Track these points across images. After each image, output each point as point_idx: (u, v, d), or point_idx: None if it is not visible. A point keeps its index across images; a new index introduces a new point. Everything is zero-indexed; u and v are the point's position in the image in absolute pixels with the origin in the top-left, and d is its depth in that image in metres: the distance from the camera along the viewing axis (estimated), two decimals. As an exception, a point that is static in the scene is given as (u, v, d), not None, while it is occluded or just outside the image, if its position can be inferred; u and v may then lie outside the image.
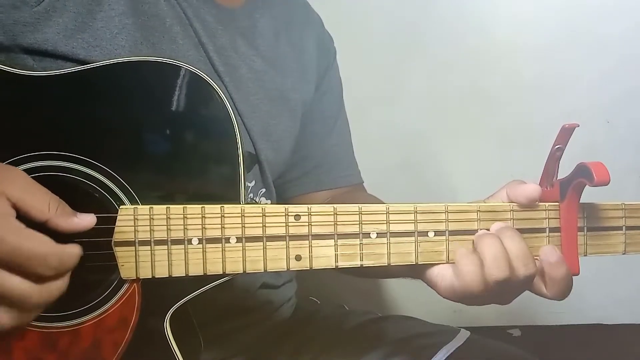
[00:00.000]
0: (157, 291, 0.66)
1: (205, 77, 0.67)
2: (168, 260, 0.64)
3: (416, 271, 0.73)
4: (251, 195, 0.92)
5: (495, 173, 1.50)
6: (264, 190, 0.95)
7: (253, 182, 0.92)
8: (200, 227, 0.64)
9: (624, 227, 0.72)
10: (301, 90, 1.00)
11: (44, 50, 0.73)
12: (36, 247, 0.56)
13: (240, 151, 0.67)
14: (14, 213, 0.57)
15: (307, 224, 0.66)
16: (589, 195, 0.69)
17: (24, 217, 0.57)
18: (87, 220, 0.61)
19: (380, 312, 1.12)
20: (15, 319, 0.58)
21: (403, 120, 1.53)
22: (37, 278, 0.57)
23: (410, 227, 0.68)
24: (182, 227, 0.64)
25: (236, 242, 0.65)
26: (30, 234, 0.57)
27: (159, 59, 0.66)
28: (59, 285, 0.59)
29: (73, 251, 0.59)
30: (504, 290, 0.67)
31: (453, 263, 0.69)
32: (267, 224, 0.65)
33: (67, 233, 0.60)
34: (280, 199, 1.02)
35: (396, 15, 1.50)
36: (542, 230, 0.70)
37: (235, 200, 0.67)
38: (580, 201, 0.69)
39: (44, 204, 0.58)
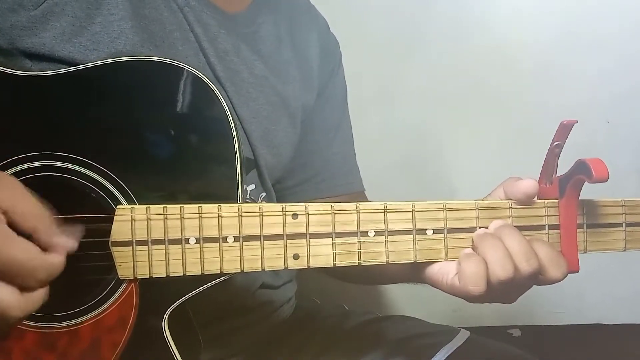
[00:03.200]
0: (155, 291, 0.66)
1: (203, 77, 0.66)
2: (165, 260, 0.64)
3: (416, 273, 0.73)
4: (251, 198, 0.92)
5: (495, 172, 1.47)
6: (264, 194, 0.94)
7: (253, 186, 0.91)
8: (197, 226, 0.64)
9: (623, 224, 0.71)
10: (302, 97, 0.99)
11: (41, 54, 0.73)
12: (28, 259, 0.56)
13: (237, 150, 0.66)
14: (4, 220, 0.56)
15: (304, 223, 0.66)
16: (589, 192, 0.69)
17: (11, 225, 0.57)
18: (69, 243, 0.60)
19: (380, 312, 1.12)
20: None
21: (403, 119, 1.53)
22: (21, 288, 0.57)
23: (408, 225, 0.67)
24: (179, 226, 0.64)
25: (234, 241, 0.64)
26: (22, 245, 0.56)
27: (158, 59, 0.66)
28: (39, 297, 0.58)
29: (56, 261, 0.58)
30: (508, 289, 0.67)
31: (453, 260, 0.69)
32: (264, 223, 0.65)
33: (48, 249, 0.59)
34: (279, 204, 1.01)
35: (396, 12, 1.49)
36: (541, 227, 0.70)
37: (232, 200, 0.66)
38: (580, 198, 0.69)
39: (34, 214, 0.58)
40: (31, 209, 0.58)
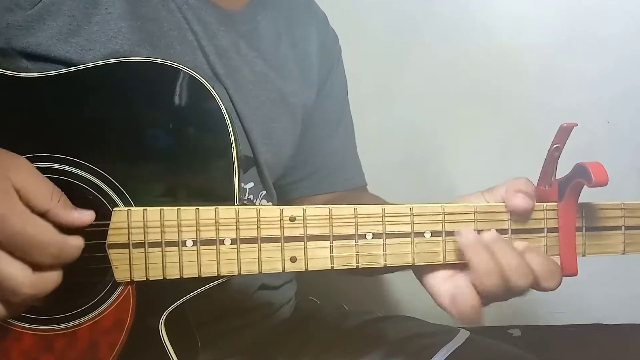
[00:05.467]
0: (152, 293, 0.65)
1: (199, 77, 0.66)
2: (162, 263, 0.63)
3: (415, 270, 0.72)
4: (251, 197, 0.92)
5: (495, 172, 1.48)
6: (264, 192, 0.94)
7: (251, 184, 0.91)
8: (194, 229, 0.64)
9: (623, 227, 0.71)
10: (302, 94, 0.99)
11: (37, 54, 0.73)
12: (39, 234, 0.57)
13: (234, 152, 0.66)
14: (19, 198, 0.57)
15: (302, 225, 0.65)
16: (588, 194, 0.69)
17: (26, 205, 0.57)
18: (86, 216, 0.61)
19: (380, 312, 1.11)
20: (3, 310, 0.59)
21: (402, 118, 1.52)
22: (34, 265, 0.58)
23: (406, 228, 0.67)
24: (176, 229, 0.64)
25: (231, 243, 0.64)
26: (34, 220, 0.57)
27: (153, 60, 0.66)
28: (53, 278, 0.59)
29: (75, 243, 0.60)
30: (500, 298, 0.66)
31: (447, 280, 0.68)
32: (261, 226, 0.65)
33: (65, 226, 0.60)
34: (280, 200, 1.01)
35: (396, 11, 1.49)
36: (540, 230, 0.69)
37: (230, 201, 0.66)
38: (579, 200, 0.69)
39: (47, 193, 0.59)
40: (44, 189, 0.59)
